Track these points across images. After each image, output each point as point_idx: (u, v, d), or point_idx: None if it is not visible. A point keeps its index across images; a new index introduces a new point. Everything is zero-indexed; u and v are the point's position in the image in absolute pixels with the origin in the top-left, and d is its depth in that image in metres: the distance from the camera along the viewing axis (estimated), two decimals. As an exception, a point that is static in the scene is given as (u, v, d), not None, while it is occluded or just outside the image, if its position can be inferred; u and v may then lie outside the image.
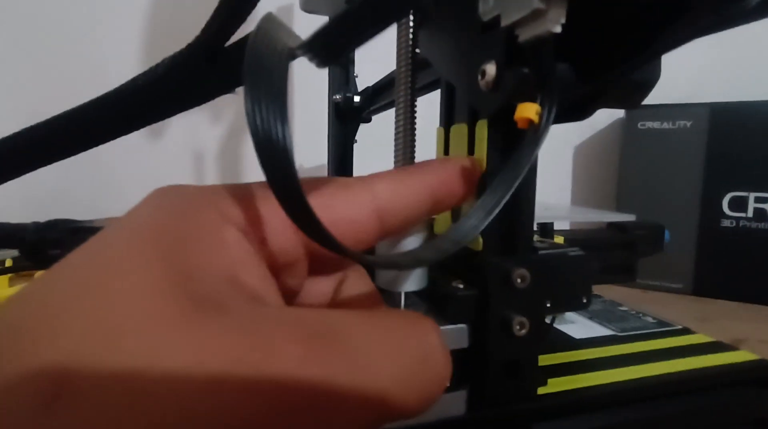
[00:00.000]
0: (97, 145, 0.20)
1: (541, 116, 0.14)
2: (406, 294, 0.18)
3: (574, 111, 0.18)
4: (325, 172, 0.57)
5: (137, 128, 0.20)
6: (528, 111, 0.14)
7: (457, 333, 0.17)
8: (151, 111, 0.20)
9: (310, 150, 0.60)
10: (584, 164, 0.63)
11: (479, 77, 0.16)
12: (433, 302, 0.19)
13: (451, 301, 0.18)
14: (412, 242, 0.17)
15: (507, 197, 0.13)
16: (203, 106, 0.20)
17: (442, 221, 0.20)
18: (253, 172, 0.61)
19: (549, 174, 0.17)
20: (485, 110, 0.16)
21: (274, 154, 0.10)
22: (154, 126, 0.71)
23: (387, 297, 0.19)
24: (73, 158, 0.20)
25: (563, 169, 0.63)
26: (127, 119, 0.20)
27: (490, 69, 0.15)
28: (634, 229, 0.39)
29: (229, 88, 0.20)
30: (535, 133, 0.14)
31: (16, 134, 0.19)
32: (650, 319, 0.29)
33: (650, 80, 0.17)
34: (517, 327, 0.17)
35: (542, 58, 0.14)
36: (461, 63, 0.17)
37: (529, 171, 0.18)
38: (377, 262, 0.15)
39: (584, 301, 0.19)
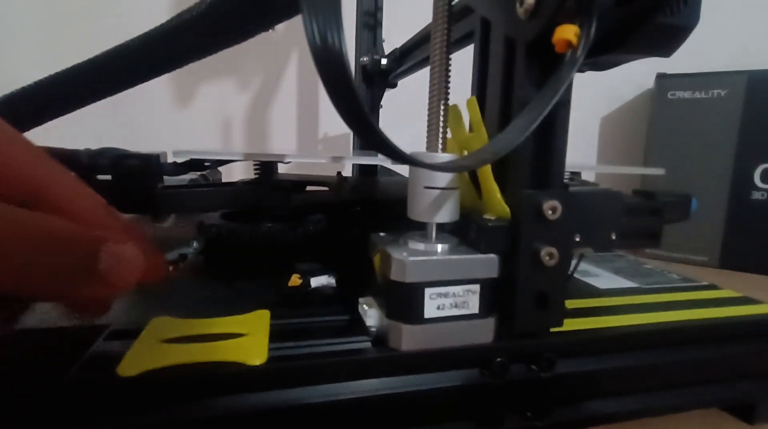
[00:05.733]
0: (141, 81, 0.21)
1: (579, 37, 0.14)
2: (438, 225, 0.19)
3: (607, 50, 0.18)
4: (349, 139, 0.58)
5: (179, 66, 0.21)
6: (567, 32, 0.14)
7: (488, 263, 0.18)
8: (192, 48, 0.20)
9: (335, 117, 0.60)
10: (610, 136, 0.62)
11: (517, 5, 0.16)
12: (464, 234, 0.19)
13: (482, 232, 0.18)
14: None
15: (544, 115, 0.14)
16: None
17: (467, 193, 0.20)
18: (279, 138, 0.62)
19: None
20: (523, 38, 0.16)
21: (330, 58, 0.11)
22: (183, 92, 0.72)
23: (419, 228, 0.19)
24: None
25: (589, 141, 0.62)
26: (170, 56, 0.21)
27: (529, -4, 0.15)
28: (660, 196, 0.39)
29: (267, 26, 0.20)
30: (573, 55, 0.14)
31: (71, 68, 0.20)
32: (675, 276, 0.29)
33: (687, 25, 0.17)
34: (547, 257, 0.17)
35: (582, -20, 0.14)
36: (499, -6, 0.17)
37: (563, 106, 0.18)
38: (426, 164, 0.15)
39: (612, 237, 0.19)
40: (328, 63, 0.11)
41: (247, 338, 0.18)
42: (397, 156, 0.12)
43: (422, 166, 0.14)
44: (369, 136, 0.11)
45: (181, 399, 0.15)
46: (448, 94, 0.20)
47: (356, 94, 0.11)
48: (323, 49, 0.11)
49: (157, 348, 0.17)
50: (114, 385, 0.15)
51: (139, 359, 0.16)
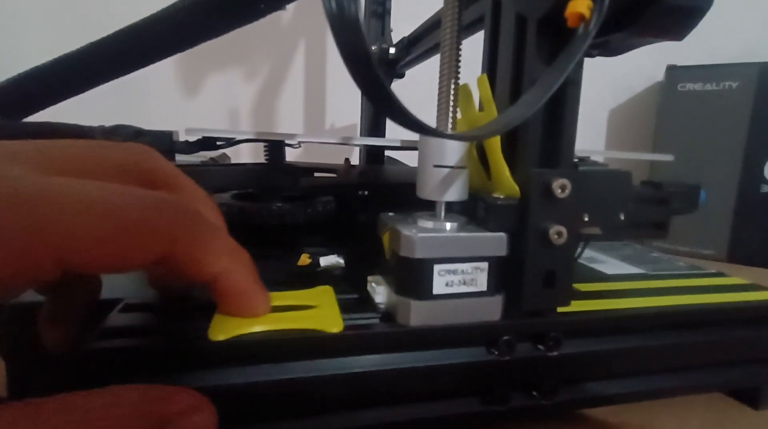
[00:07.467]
0: (151, 62, 0.22)
1: (592, 11, 0.14)
2: (447, 204, 0.19)
3: (618, 28, 0.18)
4: (356, 130, 0.58)
5: (189, 47, 0.21)
6: (580, 5, 0.14)
7: (496, 241, 0.18)
8: (203, 27, 0.21)
9: (342, 107, 0.60)
10: (619, 129, 0.62)
11: (530, -18, 0.16)
12: (473, 213, 0.19)
13: (491, 210, 0.18)
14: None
15: (555, 88, 0.14)
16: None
17: (476, 173, 0.20)
18: (286, 129, 0.62)
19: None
20: (534, 14, 0.16)
21: (347, 25, 0.11)
22: (190, 83, 0.72)
23: (428, 207, 0.19)
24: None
25: (597, 134, 0.62)
26: (180, 36, 0.21)
27: (542, -28, 0.16)
28: (668, 186, 0.39)
29: (279, 5, 0.20)
30: (586, 29, 0.14)
31: (81, 49, 0.20)
32: (683, 264, 0.29)
33: (700, 6, 0.17)
34: (555, 236, 0.18)
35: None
36: (511, -29, 0.17)
37: (574, 85, 0.18)
38: (439, 132, 0.15)
39: (621, 217, 0.19)
40: (344, 30, 0.11)
41: (320, 309, 0.18)
42: (412, 123, 0.12)
43: (436, 134, 0.14)
44: (385, 104, 0.11)
45: (263, 361, 0.16)
46: (459, 73, 0.20)
47: (372, 60, 0.11)
48: (339, 17, 0.11)
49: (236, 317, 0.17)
50: (206, 347, 0.16)
51: (226, 325, 0.16)
